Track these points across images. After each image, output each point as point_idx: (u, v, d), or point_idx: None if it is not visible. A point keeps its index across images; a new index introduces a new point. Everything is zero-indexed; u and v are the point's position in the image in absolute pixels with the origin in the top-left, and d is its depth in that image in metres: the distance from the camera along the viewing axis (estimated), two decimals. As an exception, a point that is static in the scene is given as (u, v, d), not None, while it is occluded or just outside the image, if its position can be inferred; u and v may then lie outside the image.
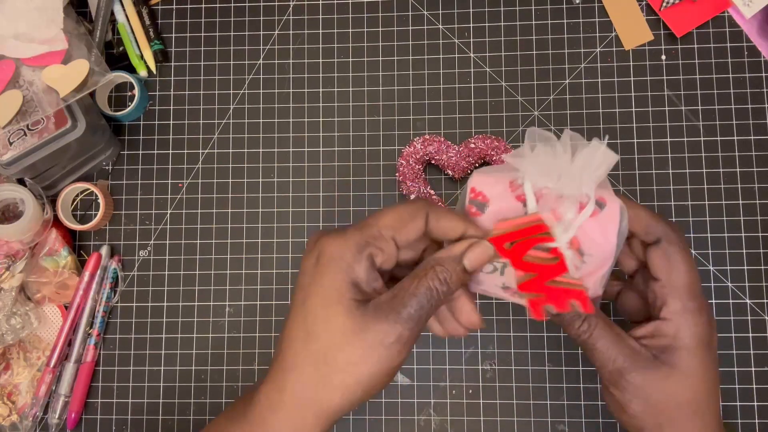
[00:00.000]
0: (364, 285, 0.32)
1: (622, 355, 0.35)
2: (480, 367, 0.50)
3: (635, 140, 0.51)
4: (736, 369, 0.48)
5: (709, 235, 0.50)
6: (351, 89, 0.53)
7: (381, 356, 0.31)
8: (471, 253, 0.33)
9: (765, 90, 0.51)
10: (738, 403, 0.48)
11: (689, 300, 0.35)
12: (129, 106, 0.53)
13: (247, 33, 0.55)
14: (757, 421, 0.48)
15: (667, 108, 0.51)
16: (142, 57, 0.54)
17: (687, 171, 0.51)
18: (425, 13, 0.54)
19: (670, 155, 0.51)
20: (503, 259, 0.33)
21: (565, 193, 0.32)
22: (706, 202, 0.50)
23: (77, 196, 0.54)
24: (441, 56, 0.53)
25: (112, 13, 0.54)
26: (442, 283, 0.32)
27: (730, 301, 0.49)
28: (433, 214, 0.34)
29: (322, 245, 0.33)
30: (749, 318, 0.49)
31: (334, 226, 0.52)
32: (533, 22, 0.53)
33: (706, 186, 0.50)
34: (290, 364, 0.33)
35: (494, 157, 0.49)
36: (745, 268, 0.49)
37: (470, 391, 0.49)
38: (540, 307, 0.34)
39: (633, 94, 0.52)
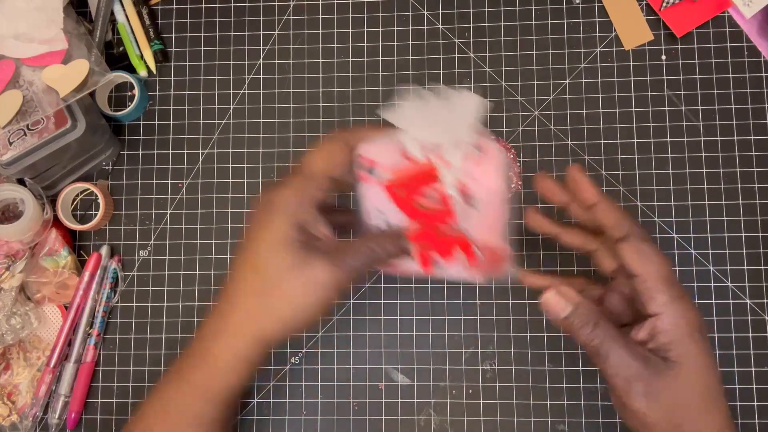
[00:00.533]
0: (310, 227, 0.37)
1: (636, 361, 0.35)
2: (480, 367, 0.50)
3: (635, 140, 0.51)
4: (736, 369, 0.48)
5: (709, 235, 0.50)
6: (351, 89, 0.53)
7: (318, 293, 0.35)
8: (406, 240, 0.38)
9: (765, 90, 0.51)
10: (738, 403, 0.48)
11: (670, 288, 0.36)
12: (129, 106, 0.53)
13: (247, 33, 0.55)
14: (757, 421, 0.48)
15: (667, 108, 0.51)
16: (142, 57, 0.54)
17: (687, 171, 0.51)
18: (425, 13, 0.54)
19: (670, 155, 0.51)
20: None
21: (445, 142, 0.35)
22: (706, 202, 0.50)
23: (77, 196, 0.54)
24: (441, 56, 0.53)
25: (112, 13, 0.54)
26: (383, 251, 0.37)
27: (730, 301, 0.49)
28: (352, 138, 0.38)
29: (268, 196, 0.37)
30: (749, 318, 0.49)
31: (334, 226, 0.52)
32: (533, 22, 0.53)
33: (706, 186, 0.50)
34: (234, 297, 0.37)
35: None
36: (745, 268, 0.49)
37: (470, 391, 0.49)
38: (428, 257, 0.37)
39: (633, 94, 0.52)
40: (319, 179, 0.37)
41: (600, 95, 0.52)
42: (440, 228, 0.37)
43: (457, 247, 0.37)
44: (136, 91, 0.53)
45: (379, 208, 0.38)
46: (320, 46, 0.54)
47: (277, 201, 0.36)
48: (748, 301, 0.49)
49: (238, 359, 0.37)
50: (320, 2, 0.55)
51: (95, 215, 0.52)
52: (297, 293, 0.36)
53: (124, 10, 0.54)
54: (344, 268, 0.36)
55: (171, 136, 0.54)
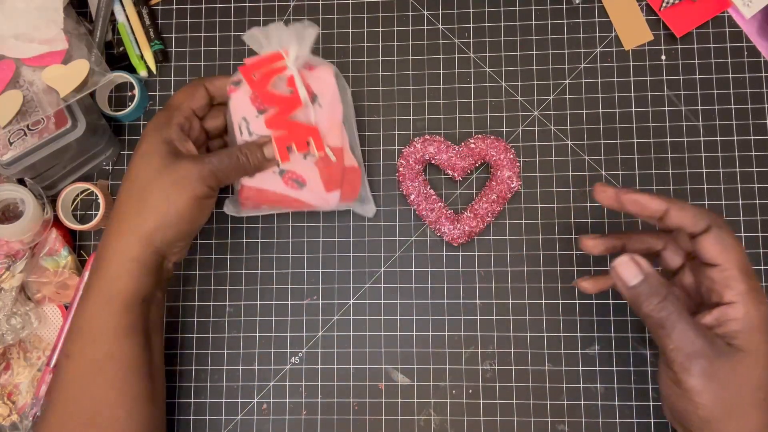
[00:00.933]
0: (177, 143, 0.42)
1: (700, 340, 0.35)
2: (480, 367, 0.50)
3: (635, 140, 0.51)
4: (736, 369, 0.48)
5: (709, 235, 0.50)
6: (351, 89, 0.53)
7: (186, 187, 0.41)
8: (267, 150, 0.43)
9: (765, 90, 0.51)
10: (738, 403, 0.48)
11: (749, 279, 0.36)
12: (129, 106, 0.53)
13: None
14: (757, 421, 0.48)
15: (667, 108, 0.51)
16: (142, 57, 0.54)
17: (687, 171, 0.51)
18: (425, 13, 0.54)
19: (670, 155, 0.51)
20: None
21: (286, 47, 0.43)
22: (706, 202, 0.50)
23: (77, 196, 0.54)
24: (441, 56, 0.53)
25: (112, 13, 0.54)
26: (244, 156, 0.43)
27: (730, 301, 0.49)
28: (208, 82, 0.45)
29: (144, 130, 0.43)
30: (749, 318, 0.49)
31: (335, 226, 0.52)
32: (533, 22, 0.53)
33: (706, 186, 0.50)
34: (116, 206, 0.42)
35: (494, 157, 0.49)
36: (745, 268, 0.49)
37: (470, 391, 0.49)
38: (285, 145, 0.43)
39: (633, 94, 0.52)
40: (182, 109, 0.44)
41: (600, 95, 0.52)
42: (294, 117, 0.43)
43: (311, 138, 0.43)
44: (137, 91, 0.53)
45: (244, 116, 0.44)
46: (320, 46, 0.54)
47: (147, 129, 0.43)
48: (748, 301, 0.49)
49: (126, 259, 0.41)
50: (320, 2, 0.55)
51: (95, 215, 0.52)
52: (166, 188, 0.40)
53: (124, 10, 0.54)
54: (207, 164, 0.41)
55: (171, 136, 0.54)
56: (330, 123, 0.44)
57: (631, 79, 0.52)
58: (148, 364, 0.43)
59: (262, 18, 0.55)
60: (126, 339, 0.41)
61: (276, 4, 0.55)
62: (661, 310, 0.36)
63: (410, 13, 0.54)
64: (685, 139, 0.51)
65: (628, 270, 0.37)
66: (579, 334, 0.49)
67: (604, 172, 0.51)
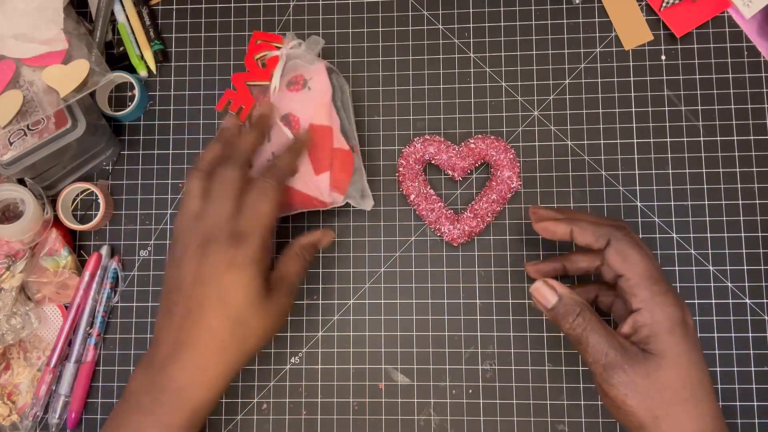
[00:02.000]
0: (266, 271, 0.41)
1: (613, 350, 0.37)
2: (480, 367, 0.50)
3: (635, 140, 0.51)
4: (736, 369, 0.48)
5: (709, 235, 0.50)
6: (351, 89, 0.53)
7: (281, 320, 0.42)
8: (324, 239, 0.46)
9: (765, 90, 0.51)
10: (738, 403, 0.48)
11: (653, 285, 0.37)
12: (129, 106, 0.53)
13: (247, 33, 0.55)
14: (757, 421, 0.48)
15: (667, 108, 0.51)
16: (142, 57, 0.54)
17: (687, 171, 0.51)
18: (425, 13, 0.54)
19: (670, 155, 0.51)
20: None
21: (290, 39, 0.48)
22: (706, 202, 0.50)
23: (77, 196, 0.54)
24: (441, 56, 0.53)
25: (112, 13, 0.54)
26: (308, 261, 0.45)
27: (730, 301, 0.49)
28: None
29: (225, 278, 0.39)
30: (749, 318, 0.49)
31: (335, 226, 0.52)
32: (533, 22, 0.53)
33: (706, 186, 0.50)
34: (210, 345, 0.38)
35: (494, 157, 0.49)
36: (745, 268, 0.49)
37: (470, 391, 0.49)
38: (226, 99, 0.47)
39: (633, 94, 0.52)
40: (271, 228, 0.42)
41: (600, 95, 0.52)
42: (254, 85, 0.48)
43: (256, 104, 0.47)
44: (137, 91, 0.53)
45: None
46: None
47: (245, 249, 0.40)
48: (747, 301, 0.49)
49: (208, 396, 0.39)
50: (320, 2, 0.55)
51: (95, 215, 0.52)
52: (265, 328, 0.40)
53: (125, 10, 0.54)
54: (291, 295, 0.43)
55: (171, 136, 0.54)
56: (318, 103, 0.46)
57: (631, 79, 0.52)
58: None
59: (262, 18, 0.55)
60: None
61: (276, 4, 0.55)
62: (577, 327, 0.38)
63: (410, 13, 0.54)
64: (685, 139, 0.51)
65: (543, 294, 0.39)
66: (579, 334, 0.49)
67: (604, 172, 0.51)
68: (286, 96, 0.47)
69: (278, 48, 0.48)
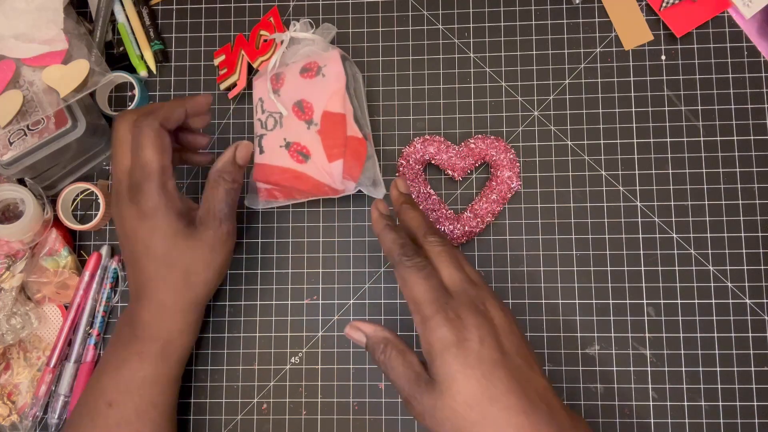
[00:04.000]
0: (183, 210, 0.43)
1: (408, 383, 0.36)
2: (480, 367, 0.50)
3: (635, 140, 0.51)
4: (735, 369, 0.48)
5: (709, 235, 0.50)
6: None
7: (223, 249, 0.44)
8: (239, 152, 0.45)
9: (765, 90, 0.51)
10: (738, 403, 0.48)
11: (423, 309, 0.36)
12: (129, 106, 0.53)
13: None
14: (757, 421, 0.48)
15: (667, 108, 0.51)
16: (142, 57, 0.54)
17: (687, 171, 0.51)
18: (425, 13, 0.54)
19: (670, 155, 0.51)
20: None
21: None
22: (706, 202, 0.50)
23: (77, 196, 0.54)
24: (441, 56, 0.53)
25: (112, 13, 0.54)
26: (231, 182, 0.45)
27: (730, 301, 0.49)
28: (188, 103, 0.45)
29: (134, 168, 0.42)
30: (749, 318, 0.49)
31: (335, 226, 0.52)
32: (533, 22, 0.53)
33: (706, 186, 0.50)
34: (160, 286, 0.42)
35: (494, 157, 0.49)
36: (745, 268, 0.49)
37: (470, 391, 0.49)
38: (221, 64, 0.53)
39: (633, 94, 0.52)
40: (165, 166, 0.42)
41: (600, 95, 0.52)
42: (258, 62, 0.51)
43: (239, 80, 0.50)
44: (137, 91, 0.53)
45: (261, 97, 0.49)
46: (320, 46, 0.54)
47: (146, 207, 0.42)
48: (747, 301, 0.49)
49: (184, 323, 0.44)
50: (320, 2, 0.55)
51: (95, 215, 0.52)
52: (210, 260, 0.43)
53: (124, 10, 0.54)
54: (224, 221, 0.44)
55: (171, 136, 0.54)
56: (332, 90, 0.47)
57: (631, 79, 0.52)
58: (176, 408, 0.46)
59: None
60: (170, 389, 0.45)
61: (276, 4, 0.55)
62: (384, 360, 0.38)
63: (410, 13, 0.54)
64: (685, 139, 0.51)
65: (355, 335, 0.40)
66: (579, 334, 0.49)
67: (604, 172, 0.51)
68: (300, 82, 0.48)
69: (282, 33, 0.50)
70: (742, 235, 0.50)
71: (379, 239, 0.41)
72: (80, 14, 0.54)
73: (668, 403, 0.48)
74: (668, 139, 0.51)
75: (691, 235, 0.50)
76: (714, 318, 0.49)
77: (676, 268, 0.50)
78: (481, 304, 0.37)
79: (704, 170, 0.51)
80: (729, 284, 0.49)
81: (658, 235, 0.50)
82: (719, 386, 0.48)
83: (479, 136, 0.50)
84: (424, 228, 0.41)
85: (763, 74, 0.51)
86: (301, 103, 0.47)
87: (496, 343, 0.35)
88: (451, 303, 0.36)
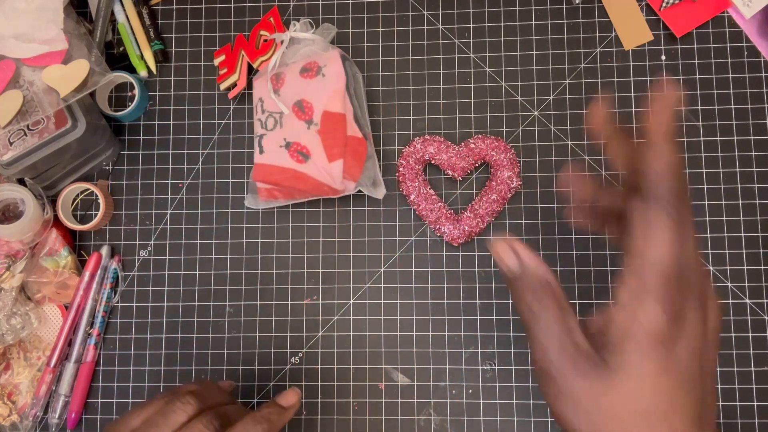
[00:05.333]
0: None
1: (561, 352, 0.27)
2: (480, 367, 0.50)
3: (635, 141, 0.51)
4: (735, 369, 0.48)
5: (709, 235, 0.50)
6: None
7: None
8: (282, 398, 0.41)
9: (765, 90, 0.51)
10: (738, 403, 0.48)
11: (656, 278, 0.26)
12: (129, 106, 0.53)
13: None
14: (757, 421, 0.48)
15: (667, 108, 0.51)
16: (142, 57, 0.54)
17: (687, 171, 0.51)
18: (425, 13, 0.54)
19: (670, 155, 0.51)
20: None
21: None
22: (706, 202, 0.50)
23: (77, 196, 0.54)
24: (441, 56, 0.53)
25: (112, 13, 0.54)
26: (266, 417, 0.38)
27: (730, 301, 0.49)
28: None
29: None
30: (749, 318, 0.49)
31: (335, 226, 0.52)
32: (533, 22, 0.53)
33: (706, 186, 0.50)
34: None
35: (494, 157, 0.49)
36: (745, 268, 0.49)
37: (470, 391, 0.49)
38: (220, 62, 0.53)
39: (633, 94, 0.52)
40: None
41: (600, 95, 0.52)
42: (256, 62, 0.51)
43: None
44: (137, 91, 0.53)
45: (261, 97, 0.50)
46: (320, 46, 0.54)
47: None
48: (748, 301, 0.49)
49: None
50: (320, 2, 0.55)
51: (95, 215, 0.52)
52: None
53: (125, 10, 0.54)
54: None
55: (171, 136, 0.54)
56: (332, 90, 0.47)
57: (631, 79, 0.52)
58: None
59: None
60: None
61: (276, 4, 0.55)
62: (537, 310, 0.28)
63: (410, 13, 0.54)
64: (685, 139, 0.51)
65: (506, 257, 0.29)
66: (579, 334, 0.49)
67: (604, 172, 0.51)
68: (300, 82, 0.48)
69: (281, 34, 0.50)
70: (742, 235, 0.50)
71: (652, 152, 0.29)
72: (80, 14, 0.54)
73: (668, 403, 0.48)
74: (668, 139, 0.51)
75: (691, 235, 0.50)
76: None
77: (676, 268, 0.50)
78: (704, 299, 0.28)
79: (704, 170, 0.51)
80: (729, 284, 0.49)
81: (658, 235, 0.50)
82: (719, 386, 0.48)
83: (479, 136, 0.50)
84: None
85: (763, 74, 0.51)
86: (301, 103, 0.48)
87: (700, 356, 0.27)
88: (680, 287, 0.26)
